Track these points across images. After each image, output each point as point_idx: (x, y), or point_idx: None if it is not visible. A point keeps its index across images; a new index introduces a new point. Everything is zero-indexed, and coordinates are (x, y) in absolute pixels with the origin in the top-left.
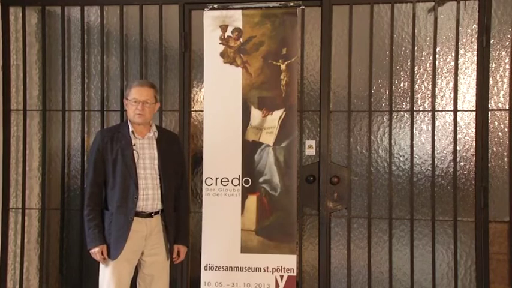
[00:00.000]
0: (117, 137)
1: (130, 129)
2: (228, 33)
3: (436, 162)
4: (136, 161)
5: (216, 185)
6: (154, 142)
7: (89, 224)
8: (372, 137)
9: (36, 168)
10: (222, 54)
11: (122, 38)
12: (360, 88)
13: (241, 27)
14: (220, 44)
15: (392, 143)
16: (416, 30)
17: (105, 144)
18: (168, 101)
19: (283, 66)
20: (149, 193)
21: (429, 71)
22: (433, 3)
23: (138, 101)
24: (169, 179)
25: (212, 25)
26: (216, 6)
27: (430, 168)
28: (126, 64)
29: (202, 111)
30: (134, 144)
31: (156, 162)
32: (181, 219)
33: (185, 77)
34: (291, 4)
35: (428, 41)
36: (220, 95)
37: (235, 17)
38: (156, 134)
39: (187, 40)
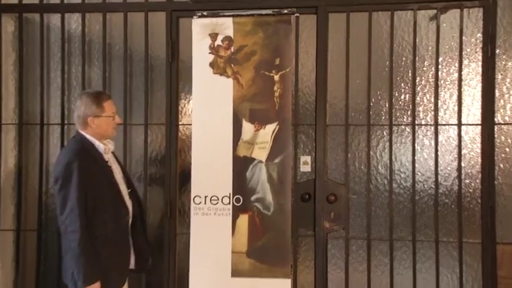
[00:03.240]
0: (92, 155)
1: (102, 146)
2: (218, 42)
3: (439, 179)
4: (115, 178)
5: (205, 203)
6: (112, 155)
7: (86, 256)
8: (371, 153)
9: (11, 187)
10: (212, 65)
11: (105, 47)
12: (358, 100)
13: (232, 35)
14: (209, 53)
15: (393, 159)
16: (417, 40)
17: (86, 165)
18: (154, 114)
19: (276, 77)
20: (130, 210)
21: (431, 83)
22: (435, 11)
23: (115, 113)
24: (133, 189)
25: (201, 33)
26: (205, 13)
27: (433, 186)
28: (109, 75)
29: (191, 124)
30: (107, 161)
31: (122, 175)
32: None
33: (172, 89)
34: (285, 11)
35: (430, 51)
36: (209, 108)
37: (225, 25)
38: (113, 146)
39: (174, 49)
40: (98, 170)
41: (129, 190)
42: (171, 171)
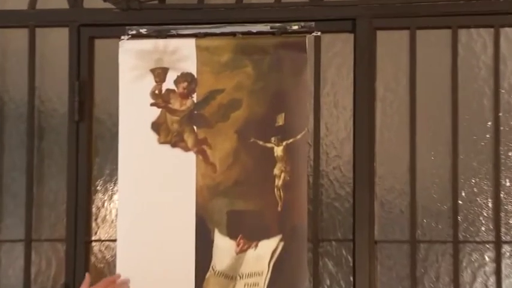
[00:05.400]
0: None
1: None
2: (169, 84)
3: None
4: None
5: None
6: None
7: None
8: None
9: None
10: (157, 126)
11: None
12: (433, 194)
13: (194, 72)
14: (152, 105)
15: None
16: None
17: None
18: (45, 221)
19: (278, 150)
20: None
21: None
22: None
23: None
24: None
25: (136, 68)
26: (143, 30)
27: None
28: None
29: (115, 241)
30: None
31: None
32: None
33: (79, 172)
34: (295, 27)
35: None
36: (150, 209)
37: (182, 53)
38: None
39: (84, 98)
40: None
41: None
42: None
